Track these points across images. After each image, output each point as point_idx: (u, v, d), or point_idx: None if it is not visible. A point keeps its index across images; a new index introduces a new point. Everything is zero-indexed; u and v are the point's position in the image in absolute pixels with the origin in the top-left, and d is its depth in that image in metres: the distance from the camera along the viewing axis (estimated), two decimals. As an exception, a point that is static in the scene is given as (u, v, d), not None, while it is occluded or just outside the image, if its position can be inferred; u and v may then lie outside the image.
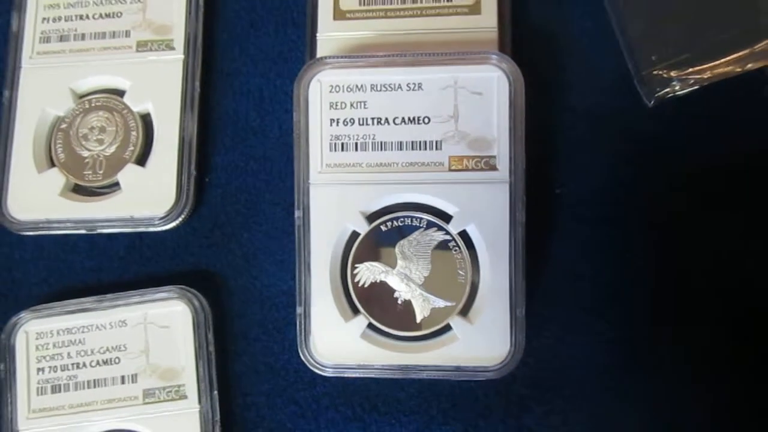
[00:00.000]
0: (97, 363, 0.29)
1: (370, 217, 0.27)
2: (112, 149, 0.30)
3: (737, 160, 0.28)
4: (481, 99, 0.27)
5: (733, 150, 0.28)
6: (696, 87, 0.28)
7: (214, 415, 0.28)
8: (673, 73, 0.28)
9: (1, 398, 0.29)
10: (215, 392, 0.28)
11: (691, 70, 0.28)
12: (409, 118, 0.27)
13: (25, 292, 0.31)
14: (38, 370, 0.29)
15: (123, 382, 0.29)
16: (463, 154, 0.27)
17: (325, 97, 0.28)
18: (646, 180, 0.28)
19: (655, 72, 0.28)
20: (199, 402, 0.28)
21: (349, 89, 0.28)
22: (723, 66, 0.28)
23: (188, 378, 0.28)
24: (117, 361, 0.29)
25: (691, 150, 0.29)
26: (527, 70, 0.27)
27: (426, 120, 0.27)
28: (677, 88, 0.28)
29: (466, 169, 0.27)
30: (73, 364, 0.29)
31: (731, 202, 0.28)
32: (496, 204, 0.27)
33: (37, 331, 0.29)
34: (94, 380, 0.29)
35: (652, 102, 0.28)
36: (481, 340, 0.27)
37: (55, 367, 0.29)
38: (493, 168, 0.27)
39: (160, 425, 0.28)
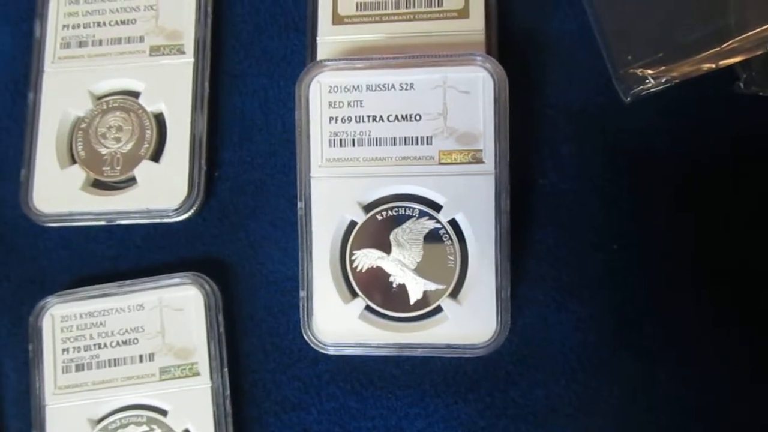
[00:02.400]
0: (117, 343, 0.31)
1: (367, 208, 0.29)
2: (129, 146, 0.33)
3: (711, 154, 0.30)
4: (468, 97, 0.29)
5: (706, 144, 0.30)
6: (670, 84, 0.30)
7: (224, 391, 0.30)
8: (647, 71, 0.30)
9: (30, 376, 0.31)
10: (226, 369, 0.30)
11: (664, 68, 0.30)
12: (402, 116, 0.29)
13: (50, 279, 0.33)
14: (63, 350, 0.31)
15: (141, 361, 0.31)
16: (451, 148, 0.29)
17: (325, 97, 0.30)
18: (624, 171, 0.30)
19: (630, 70, 0.30)
20: (211, 379, 0.30)
21: (346, 89, 0.30)
22: (695, 63, 0.30)
23: (201, 357, 0.31)
24: (135, 341, 0.31)
25: (665, 144, 0.30)
26: (512, 70, 0.29)
27: (417, 117, 0.29)
28: (652, 84, 0.30)
29: (455, 163, 0.29)
30: (95, 345, 0.31)
31: (705, 194, 0.30)
32: (483, 194, 0.29)
33: (62, 315, 0.31)
34: (115, 359, 0.31)
35: (629, 98, 0.30)
36: (469, 320, 0.29)
37: (79, 347, 0.31)
38: (480, 161, 0.29)
39: (176, 400, 0.30)
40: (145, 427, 0.30)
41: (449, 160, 0.29)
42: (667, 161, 0.30)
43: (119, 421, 0.31)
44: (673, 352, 0.29)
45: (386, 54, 0.30)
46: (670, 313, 0.29)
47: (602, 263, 0.30)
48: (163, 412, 0.30)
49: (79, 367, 0.31)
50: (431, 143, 0.29)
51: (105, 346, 0.31)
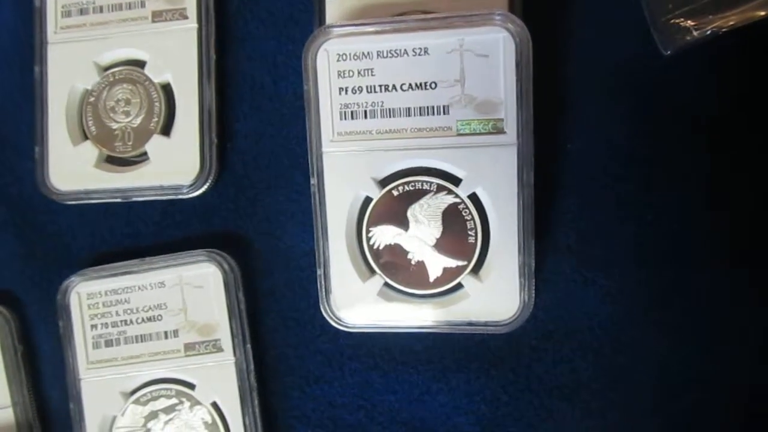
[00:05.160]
0: (142, 320, 0.32)
1: (382, 183, 0.28)
2: (138, 120, 0.32)
3: (758, 108, 0.27)
4: (487, 61, 0.27)
5: (756, 103, 0.27)
6: (716, 34, 0.27)
7: (248, 366, 0.31)
8: (690, 21, 0.27)
9: (63, 351, 0.32)
10: (248, 345, 0.31)
11: (710, 17, 0.27)
12: (416, 84, 0.27)
13: (74, 255, 0.33)
14: (92, 326, 0.32)
15: (166, 337, 0.31)
16: (470, 117, 0.27)
17: (333, 66, 0.28)
18: (660, 134, 0.28)
19: (671, 20, 0.27)
20: (234, 354, 0.31)
21: (356, 57, 0.28)
22: (746, 11, 0.26)
23: (223, 333, 0.31)
24: (159, 318, 0.31)
25: (708, 100, 0.28)
26: (537, 23, 0.26)
27: (433, 85, 0.27)
28: (695, 35, 0.27)
29: (474, 133, 0.27)
30: (121, 321, 0.32)
31: (754, 160, 0.27)
32: (504, 167, 0.27)
33: (88, 292, 0.32)
34: (141, 335, 0.32)
35: (669, 52, 0.27)
36: (491, 297, 0.28)
37: (106, 323, 0.32)
38: (501, 131, 0.27)
39: (202, 374, 0.31)
40: (174, 400, 0.31)
41: (468, 131, 0.27)
42: (711, 122, 0.27)
43: (150, 394, 0.32)
44: (701, 328, 0.27)
45: (401, 10, 0.28)
46: (700, 288, 0.27)
47: (632, 236, 0.28)
48: (191, 386, 0.31)
49: (108, 343, 0.32)
50: (448, 113, 0.27)
51: (131, 322, 0.32)
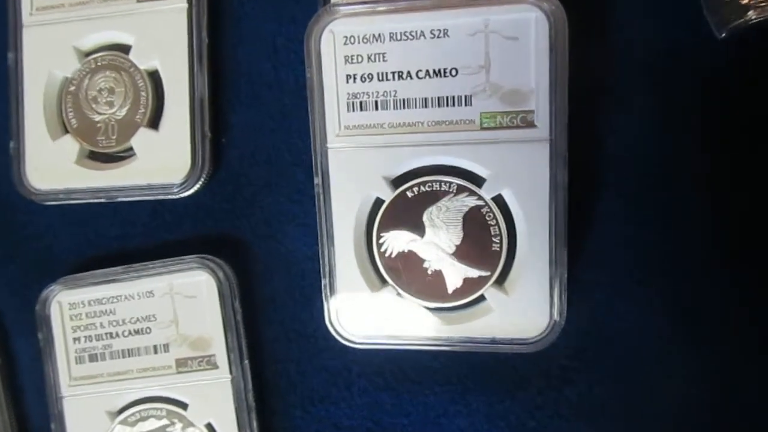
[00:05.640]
0: (129, 333, 0.29)
1: (395, 183, 0.26)
2: (123, 112, 0.29)
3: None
4: (517, 45, 0.24)
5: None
6: (778, 14, 0.23)
7: (246, 384, 0.28)
8: (748, 0, 0.23)
9: (43, 365, 0.30)
10: (246, 362, 0.28)
11: (773, -6, 0.23)
12: (434, 71, 0.24)
13: (54, 261, 0.31)
14: (74, 339, 0.30)
15: (156, 352, 0.29)
16: (496, 109, 0.24)
17: (339, 51, 0.25)
18: (714, 127, 0.25)
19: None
20: (230, 372, 0.28)
21: (365, 40, 0.25)
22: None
23: (218, 348, 0.28)
24: (148, 330, 0.29)
25: (766, 88, 0.24)
26: (573, 2, 0.23)
27: (453, 72, 0.24)
28: (753, 17, 0.23)
29: (500, 127, 0.24)
30: (106, 334, 0.29)
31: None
32: (535, 165, 0.24)
33: (70, 302, 0.29)
34: (128, 349, 0.29)
35: (724, 34, 0.24)
36: (517, 312, 0.25)
37: (90, 336, 0.29)
38: (531, 125, 0.24)
39: (195, 393, 0.28)
40: (165, 420, 0.29)
41: (493, 124, 0.24)
42: (769, 113, 0.24)
43: (138, 414, 0.29)
44: (749, 344, 0.24)
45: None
46: (748, 303, 0.24)
47: (678, 245, 0.25)
48: (183, 405, 0.29)
49: (93, 358, 0.29)
50: (471, 104, 0.24)
51: (117, 335, 0.29)
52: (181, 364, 0.29)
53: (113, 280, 0.29)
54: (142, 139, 0.29)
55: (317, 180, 0.26)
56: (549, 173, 0.24)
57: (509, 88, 0.24)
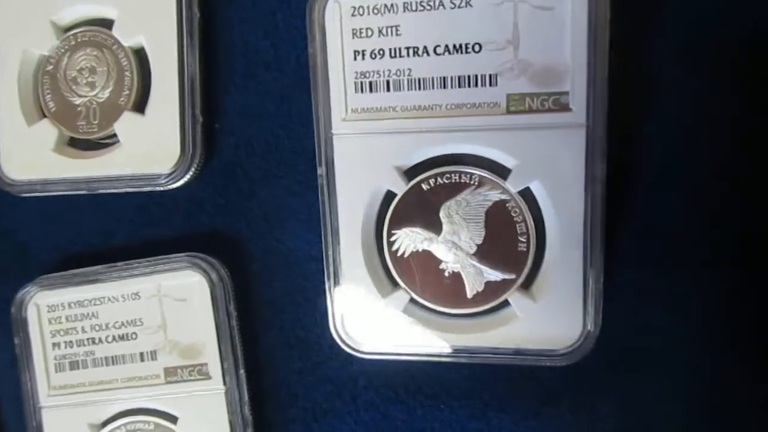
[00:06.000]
0: (114, 338, 0.27)
1: (408, 174, 0.24)
2: (106, 94, 0.27)
3: None
4: (550, 16, 0.21)
5: None
6: None
7: (241, 396, 0.26)
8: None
9: (20, 373, 0.28)
10: (242, 372, 0.26)
11: None
12: (454, 46, 0.22)
13: (31, 259, 0.29)
14: (54, 345, 0.28)
15: (142, 360, 0.27)
16: (524, 90, 0.22)
17: (347, 23, 0.23)
18: (770, 114, 0.22)
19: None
20: (224, 382, 0.26)
21: (376, 11, 0.23)
22: None
23: (211, 356, 0.26)
24: (134, 336, 0.27)
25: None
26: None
27: (476, 47, 0.22)
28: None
29: (529, 111, 0.22)
30: (88, 339, 0.27)
31: None
32: (569, 155, 0.22)
33: (48, 304, 0.27)
34: (113, 357, 0.27)
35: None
36: (546, 320, 0.23)
37: (71, 342, 0.27)
38: (565, 108, 0.22)
39: (186, 406, 0.26)
40: (153, 435, 0.26)
41: (521, 108, 0.22)
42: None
43: (124, 427, 0.27)
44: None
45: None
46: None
47: (725, 243, 0.22)
48: (173, 419, 0.27)
49: (74, 365, 0.27)
50: (496, 84, 0.22)
51: (100, 341, 0.27)
52: (171, 374, 0.26)
53: (96, 281, 0.27)
54: (126, 124, 0.26)
55: (321, 170, 0.24)
56: (585, 164, 0.21)
57: (540, 66, 0.21)
